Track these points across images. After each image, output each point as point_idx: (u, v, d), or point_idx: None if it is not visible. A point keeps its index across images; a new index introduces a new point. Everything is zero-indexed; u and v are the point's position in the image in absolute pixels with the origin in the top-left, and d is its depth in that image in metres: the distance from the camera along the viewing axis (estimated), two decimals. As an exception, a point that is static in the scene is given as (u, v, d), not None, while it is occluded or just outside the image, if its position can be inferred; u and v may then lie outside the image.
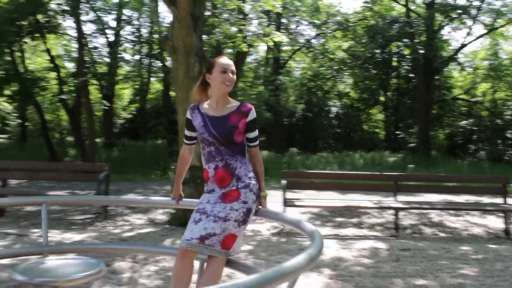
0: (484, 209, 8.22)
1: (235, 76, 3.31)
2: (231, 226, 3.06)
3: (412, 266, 5.64)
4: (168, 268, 5.32)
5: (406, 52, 22.66)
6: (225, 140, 3.19)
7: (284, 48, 25.18)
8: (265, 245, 6.57)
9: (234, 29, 12.98)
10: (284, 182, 7.88)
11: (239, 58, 17.12)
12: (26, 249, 4.12)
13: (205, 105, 3.32)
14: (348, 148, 25.13)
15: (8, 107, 24.92)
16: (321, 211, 9.25)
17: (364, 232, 7.74)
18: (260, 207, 3.24)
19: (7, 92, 17.05)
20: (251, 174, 3.24)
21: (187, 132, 3.38)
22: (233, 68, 3.32)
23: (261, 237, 7.25)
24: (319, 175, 9.13)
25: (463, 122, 25.19)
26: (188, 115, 3.34)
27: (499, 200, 8.65)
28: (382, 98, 28.65)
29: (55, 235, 6.83)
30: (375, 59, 26.57)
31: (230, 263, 3.19)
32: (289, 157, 19.26)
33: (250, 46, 14.73)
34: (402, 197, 8.85)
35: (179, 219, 7.68)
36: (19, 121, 26.67)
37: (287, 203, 7.63)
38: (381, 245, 6.76)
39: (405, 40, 22.90)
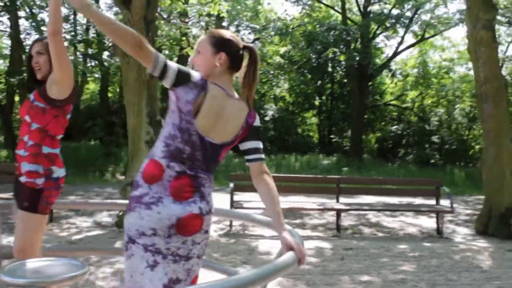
0: (419, 210, 8.77)
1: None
2: (195, 265, 2.29)
3: (357, 264, 6.00)
4: (123, 269, 5.39)
5: (342, 58, 23.47)
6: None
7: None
8: (215, 246, 6.74)
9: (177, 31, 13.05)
10: (231, 185, 8.08)
11: (182, 61, 17.20)
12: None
13: None
14: (283, 151, 25.62)
15: None
16: (263, 213, 9.51)
17: (308, 232, 8.07)
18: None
19: None
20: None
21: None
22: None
23: (210, 238, 7.42)
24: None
25: (394, 127, 26.34)
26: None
27: (431, 202, 9.24)
28: (316, 103, 29.42)
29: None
30: (311, 65, 27.29)
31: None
32: (227, 159, 19.46)
33: (192, 49, 14.84)
34: (341, 199, 9.25)
35: (127, 221, 7.71)
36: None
37: (235, 205, 7.83)
38: (325, 244, 7.10)
39: (341, 46, 23.71)
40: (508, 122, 8.67)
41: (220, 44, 2.29)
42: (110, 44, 19.19)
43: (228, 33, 2.37)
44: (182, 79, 2.13)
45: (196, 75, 2.19)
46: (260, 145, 2.40)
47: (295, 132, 30.31)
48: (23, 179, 3.00)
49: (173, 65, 2.13)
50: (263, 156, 2.42)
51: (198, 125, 2.18)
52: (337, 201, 8.54)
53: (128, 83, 7.91)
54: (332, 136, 28.05)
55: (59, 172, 3.06)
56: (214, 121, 2.23)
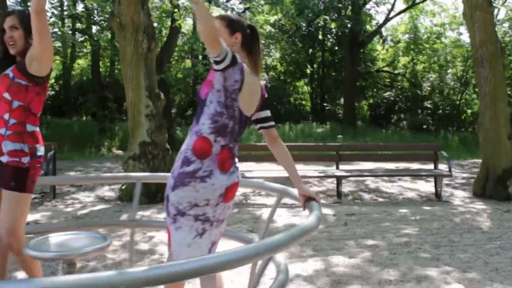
0: (419, 175, 8.89)
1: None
2: (224, 227, 2.55)
3: (360, 229, 6.11)
4: (130, 242, 5.47)
5: (333, 25, 23.36)
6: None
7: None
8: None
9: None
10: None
11: (172, 33, 17.06)
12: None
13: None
14: (276, 120, 25.53)
15: None
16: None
17: (310, 200, 8.19)
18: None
19: None
20: None
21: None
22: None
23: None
24: (266, 148, 9.46)
25: (386, 94, 26.40)
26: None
27: (428, 167, 9.36)
28: (308, 71, 29.36)
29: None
30: (302, 33, 27.14)
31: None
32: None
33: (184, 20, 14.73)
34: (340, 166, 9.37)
35: (130, 194, 7.78)
36: None
37: (237, 175, 7.91)
38: (327, 211, 7.20)
39: (332, 14, 23.56)
40: (504, 85, 8.76)
41: (234, 26, 2.52)
42: (100, 19, 19.00)
43: (233, 15, 2.65)
44: (234, 62, 2.33)
45: (238, 56, 2.38)
46: (270, 113, 2.72)
47: (287, 101, 30.29)
48: (4, 158, 2.87)
49: (229, 50, 2.31)
50: (273, 122, 2.75)
51: (240, 101, 2.43)
52: (337, 168, 8.64)
53: (125, 58, 7.88)
54: (325, 104, 28.08)
55: (41, 149, 2.98)
56: (249, 96, 2.48)
